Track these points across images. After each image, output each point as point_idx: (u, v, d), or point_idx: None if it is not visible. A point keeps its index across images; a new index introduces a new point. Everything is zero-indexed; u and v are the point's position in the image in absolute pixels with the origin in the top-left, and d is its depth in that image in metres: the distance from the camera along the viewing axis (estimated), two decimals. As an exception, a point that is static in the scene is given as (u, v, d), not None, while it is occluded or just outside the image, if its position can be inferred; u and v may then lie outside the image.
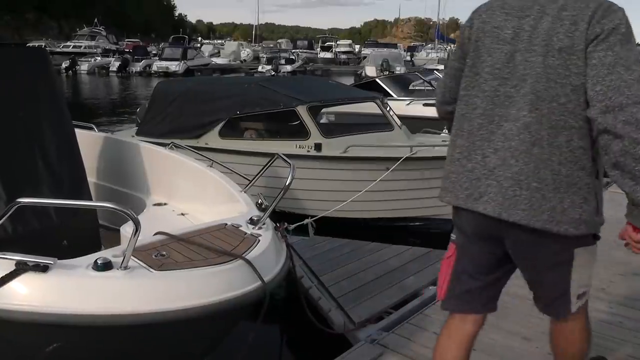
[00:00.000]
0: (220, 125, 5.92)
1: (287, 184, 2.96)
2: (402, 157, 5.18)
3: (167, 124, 6.22)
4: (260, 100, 5.88)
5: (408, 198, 5.57)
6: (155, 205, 3.82)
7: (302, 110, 5.58)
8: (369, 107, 6.37)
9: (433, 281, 3.93)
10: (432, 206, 5.59)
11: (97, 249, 3.20)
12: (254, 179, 3.60)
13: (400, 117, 6.51)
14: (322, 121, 6.80)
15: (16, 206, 2.29)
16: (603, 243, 4.90)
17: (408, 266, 4.13)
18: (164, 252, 2.43)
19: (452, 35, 66.82)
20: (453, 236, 2.04)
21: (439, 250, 4.50)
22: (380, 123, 6.14)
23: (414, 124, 7.08)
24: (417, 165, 5.32)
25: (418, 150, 5.29)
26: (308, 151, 5.46)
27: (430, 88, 9.90)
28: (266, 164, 3.60)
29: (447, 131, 7.83)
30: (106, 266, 2.25)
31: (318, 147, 5.44)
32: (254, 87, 6.04)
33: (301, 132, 5.60)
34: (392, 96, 9.27)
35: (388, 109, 6.33)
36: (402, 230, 5.69)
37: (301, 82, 7.24)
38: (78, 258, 2.34)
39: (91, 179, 3.80)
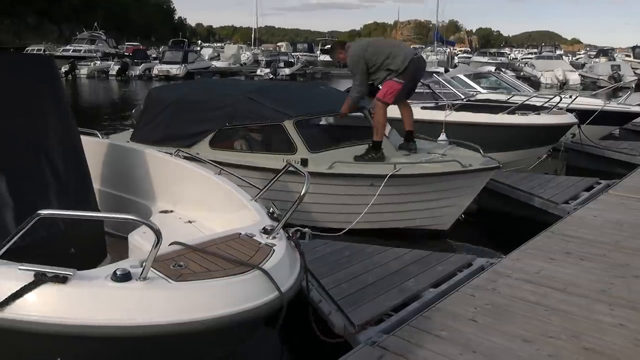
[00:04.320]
0: (211, 135, 5.97)
1: (302, 193, 2.95)
2: (386, 175, 5.24)
3: (160, 131, 6.24)
4: (248, 113, 5.93)
5: (393, 211, 5.63)
6: (161, 212, 3.81)
7: (288, 125, 5.62)
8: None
9: (433, 284, 3.94)
10: (416, 218, 5.75)
11: (102, 256, 3.21)
12: (264, 188, 3.58)
13: (397, 120, 6.45)
14: (316, 123, 6.64)
15: (37, 218, 2.29)
16: (603, 245, 4.93)
17: (408, 269, 4.12)
18: (182, 263, 2.44)
19: (451, 38, 66.86)
20: (401, 80, 5.61)
21: (438, 252, 4.51)
22: (369, 133, 6.03)
23: None
24: (400, 182, 5.37)
25: (401, 167, 5.36)
26: None
27: (429, 91, 9.85)
28: (278, 174, 3.61)
29: (444, 136, 7.86)
30: (125, 277, 2.25)
31: (304, 162, 5.44)
32: (243, 99, 6.05)
33: (288, 147, 5.63)
34: None
35: None
36: (401, 233, 5.68)
37: (292, 92, 7.06)
38: (97, 268, 2.37)
39: (95, 185, 3.79)
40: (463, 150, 6.10)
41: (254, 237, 2.81)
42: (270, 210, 3.20)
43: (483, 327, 3.21)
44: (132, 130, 6.98)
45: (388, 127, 6.25)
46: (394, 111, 6.87)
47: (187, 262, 2.45)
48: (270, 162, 5.42)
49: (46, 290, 2.18)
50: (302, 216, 5.45)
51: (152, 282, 2.27)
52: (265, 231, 2.87)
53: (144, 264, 2.28)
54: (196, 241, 2.71)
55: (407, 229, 5.74)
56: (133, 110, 8.09)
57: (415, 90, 9.89)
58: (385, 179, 5.22)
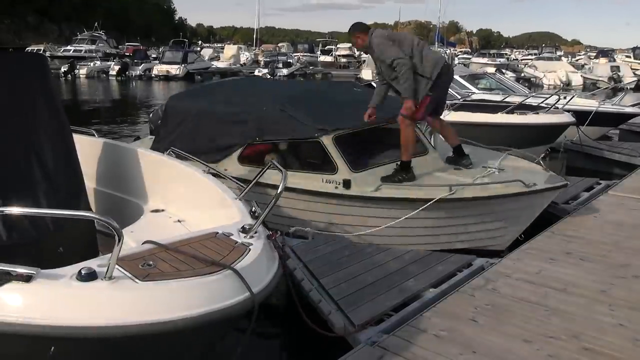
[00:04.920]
0: (239, 151, 5.44)
1: (278, 191, 2.93)
2: (435, 198, 4.60)
3: (184, 144, 5.39)
4: (280, 127, 5.30)
5: (447, 233, 5.02)
6: (152, 211, 3.80)
7: (327, 141, 4.99)
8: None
9: (433, 283, 3.93)
10: (470, 240, 5.09)
11: (94, 255, 3.17)
12: (247, 186, 3.55)
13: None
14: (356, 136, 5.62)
15: None
16: (603, 245, 4.92)
17: (408, 268, 4.12)
18: (151, 262, 2.39)
19: (451, 39, 66.90)
20: (431, 93, 4.95)
21: (439, 252, 4.51)
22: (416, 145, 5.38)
23: None
24: (457, 205, 4.76)
25: (456, 189, 4.69)
26: (336, 188, 4.92)
27: None
28: (260, 172, 3.63)
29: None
30: (90, 276, 2.22)
31: (347, 184, 4.87)
32: (273, 111, 5.42)
33: (328, 165, 5.01)
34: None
35: (420, 126, 5.69)
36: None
37: (329, 99, 6.12)
38: (63, 268, 2.30)
39: (90, 184, 3.79)
40: (520, 160, 5.49)
41: (231, 236, 2.75)
42: (253, 209, 3.15)
43: (483, 327, 3.20)
44: (150, 136, 6.76)
45: (430, 140, 5.73)
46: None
47: (157, 262, 2.40)
48: (308, 183, 4.90)
49: (10, 289, 2.15)
50: (352, 239, 4.96)
51: (117, 281, 2.23)
52: (243, 230, 2.81)
53: (109, 263, 2.25)
54: (172, 240, 2.66)
55: (460, 250, 4.96)
56: (150, 115, 7.84)
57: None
58: (431, 202, 4.58)
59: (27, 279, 2.17)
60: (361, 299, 3.59)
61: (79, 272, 2.22)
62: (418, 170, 5.09)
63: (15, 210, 2.46)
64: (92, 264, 2.33)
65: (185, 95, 7.16)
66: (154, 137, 6.47)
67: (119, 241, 2.24)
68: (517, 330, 3.17)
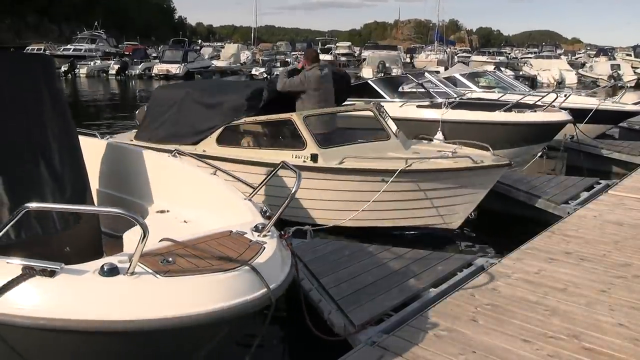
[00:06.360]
0: (218, 132, 5.97)
1: (293, 191, 2.97)
2: (397, 170, 5.21)
3: (165, 129, 6.29)
4: (255, 109, 5.91)
5: (403, 208, 5.60)
6: (157, 212, 3.82)
7: (297, 119, 5.60)
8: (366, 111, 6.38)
9: (434, 283, 3.93)
10: (425, 216, 5.67)
11: (99, 255, 3.20)
12: (258, 187, 3.59)
13: (394, 119, 6.46)
14: (323, 122, 6.65)
15: (24, 211, 2.30)
16: (603, 245, 4.92)
17: (408, 268, 4.12)
18: (170, 259, 2.44)
19: (451, 37, 66.98)
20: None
21: (439, 252, 4.52)
22: (376, 130, 6.14)
23: (407, 125, 7.07)
24: (412, 177, 5.35)
25: (412, 162, 5.29)
26: (304, 162, 5.46)
27: (423, 90, 9.87)
28: (271, 172, 3.61)
29: (441, 134, 7.92)
30: (112, 271, 2.26)
31: (314, 157, 5.44)
32: (250, 94, 6.03)
33: (298, 142, 5.61)
34: (384, 98, 9.28)
35: (384, 115, 6.30)
36: (407, 236, 5.69)
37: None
38: (85, 263, 2.34)
39: (94, 186, 3.81)
40: (472, 149, 6.07)
41: (245, 235, 2.81)
42: (263, 209, 3.23)
43: (483, 327, 3.21)
44: (136, 130, 7.01)
45: (394, 127, 6.30)
46: (398, 112, 6.98)
47: (176, 258, 2.45)
48: (279, 158, 5.33)
49: (34, 284, 2.19)
50: (311, 214, 5.59)
51: (139, 277, 2.27)
52: (256, 229, 2.87)
53: (131, 259, 2.29)
54: (187, 238, 2.71)
55: (416, 227, 5.70)
56: (136, 112, 8.03)
57: (409, 90, 10.08)
58: (395, 175, 5.18)
59: (51, 273, 2.21)
60: (361, 299, 3.59)
61: (102, 267, 2.27)
62: (380, 153, 5.63)
63: (39, 205, 2.50)
64: (113, 259, 2.38)
65: (170, 88, 7.93)
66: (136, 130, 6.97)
67: (144, 237, 2.26)
68: (517, 330, 3.17)
